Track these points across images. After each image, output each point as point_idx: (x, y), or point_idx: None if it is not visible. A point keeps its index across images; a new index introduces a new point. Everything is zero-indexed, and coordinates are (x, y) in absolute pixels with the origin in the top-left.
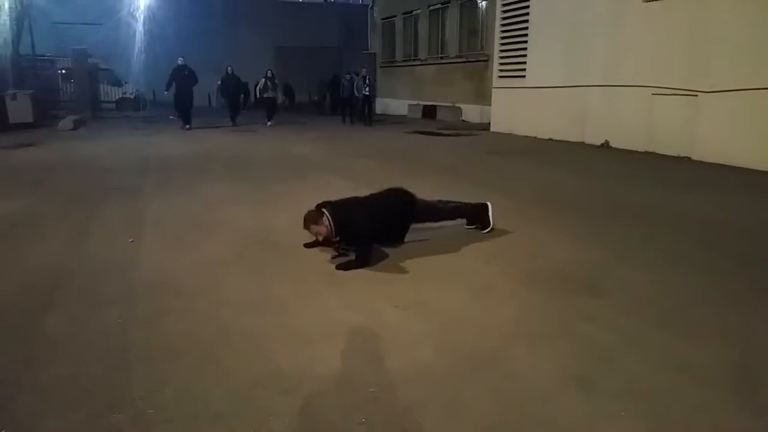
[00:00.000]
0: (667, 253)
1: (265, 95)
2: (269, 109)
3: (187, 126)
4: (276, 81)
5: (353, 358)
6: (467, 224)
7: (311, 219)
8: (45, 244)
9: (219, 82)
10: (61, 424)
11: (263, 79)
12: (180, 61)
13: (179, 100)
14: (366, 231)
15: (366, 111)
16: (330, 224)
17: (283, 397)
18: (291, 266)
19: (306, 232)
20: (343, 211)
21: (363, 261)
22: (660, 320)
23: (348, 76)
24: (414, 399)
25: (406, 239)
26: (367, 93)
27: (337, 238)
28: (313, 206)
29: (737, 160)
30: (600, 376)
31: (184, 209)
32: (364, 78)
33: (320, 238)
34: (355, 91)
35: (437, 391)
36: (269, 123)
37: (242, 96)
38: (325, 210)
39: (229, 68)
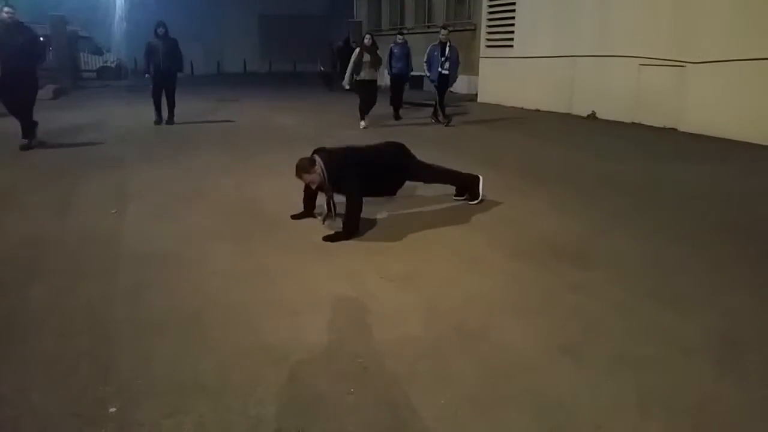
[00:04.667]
0: (654, 224)
1: (362, 76)
2: (366, 100)
3: (25, 141)
4: (379, 52)
5: (341, 329)
6: (455, 195)
7: (303, 168)
8: (26, 216)
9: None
10: (47, 399)
11: (357, 49)
12: (6, 13)
13: (4, 88)
14: (355, 194)
15: (440, 101)
16: (323, 172)
17: (271, 367)
18: (278, 238)
19: (292, 204)
20: (337, 159)
21: (350, 232)
22: (647, 290)
23: (401, 39)
24: (402, 369)
25: (393, 211)
26: (447, 71)
27: (330, 186)
28: (297, 179)
29: (724, 131)
30: (587, 347)
31: (167, 180)
32: (443, 46)
33: (313, 187)
34: (426, 68)
35: (425, 361)
36: (363, 123)
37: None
38: (318, 156)
39: (160, 29)
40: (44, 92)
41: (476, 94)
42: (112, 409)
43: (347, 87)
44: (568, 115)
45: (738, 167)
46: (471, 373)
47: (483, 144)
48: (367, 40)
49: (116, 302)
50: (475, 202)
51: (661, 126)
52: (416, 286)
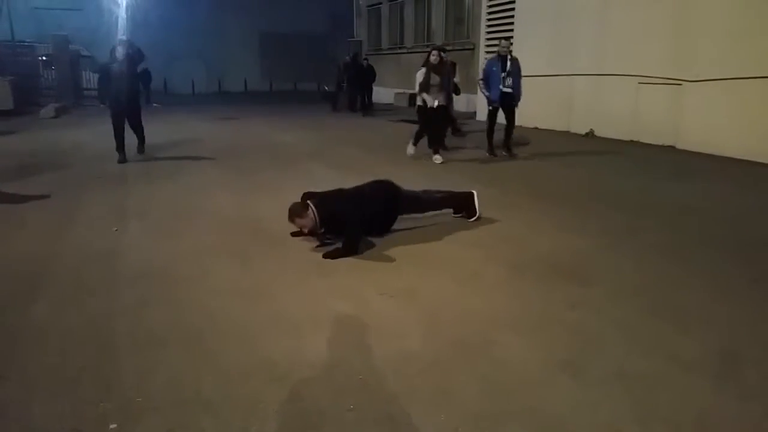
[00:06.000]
0: (652, 242)
1: (435, 102)
2: (427, 129)
3: None
4: (451, 69)
5: (341, 346)
6: (454, 213)
7: (296, 212)
8: (28, 233)
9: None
10: (48, 414)
11: (423, 69)
12: None
13: None
14: (354, 217)
15: (507, 127)
16: (315, 216)
17: (272, 384)
18: (278, 255)
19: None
20: (329, 202)
21: (350, 249)
22: (646, 307)
23: (444, 56)
24: (402, 385)
25: (395, 231)
26: (510, 89)
27: (323, 230)
28: (298, 194)
29: (721, 149)
30: (587, 363)
31: (168, 198)
32: (503, 59)
33: (306, 231)
34: (482, 87)
35: (425, 377)
36: (436, 158)
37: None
38: (309, 203)
39: (119, 48)
40: (46, 110)
41: (475, 112)
42: (113, 425)
43: (422, 104)
44: (566, 133)
45: (736, 185)
46: (471, 389)
47: (481, 161)
48: (434, 57)
49: (117, 319)
50: (473, 218)
51: (660, 144)
52: (416, 303)
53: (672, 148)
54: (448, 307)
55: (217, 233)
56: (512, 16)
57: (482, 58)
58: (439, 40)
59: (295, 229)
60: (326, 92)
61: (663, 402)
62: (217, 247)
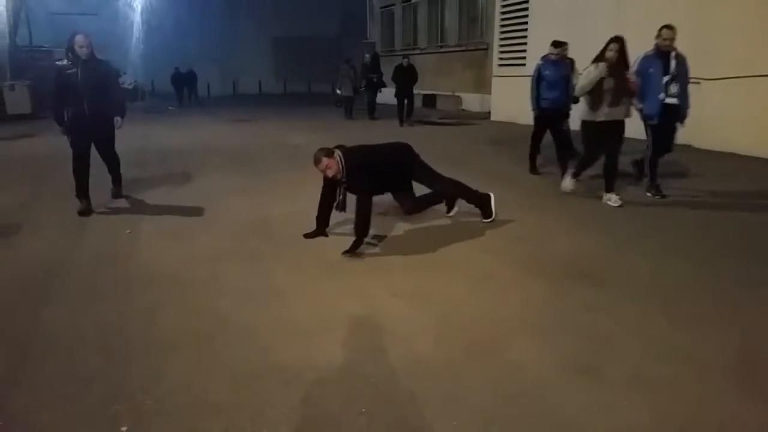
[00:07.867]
0: (667, 243)
1: (602, 114)
2: (595, 153)
3: None
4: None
5: (353, 349)
6: (467, 201)
7: (324, 152)
8: (42, 236)
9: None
10: (58, 417)
11: (592, 66)
12: None
13: None
14: (364, 184)
15: (653, 154)
16: (341, 162)
17: (283, 388)
18: (290, 257)
19: (304, 223)
20: (353, 156)
21: (361, 234)
22: (662, 310)
23: (555, 52)
24: (414, 389)
25: (405, 229)
26: (675, 100)
27: (344, 181)
28: (312, 197)
29: (739, 147)
30: (603, 366)
31: (182, 199)
32: (665, 57)
33: (329, 173)
34: (639, 101)
35: (437, 381)
36: (569, 183)
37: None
38: (337, 149)
39: (82, 46)
40: None
41: (489, 112)
42: (124, 429)
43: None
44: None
45: (753, 184)
46: (484, 393)
47: (494, 161)
48: (611, 52)
49: (129, 322)
50: (488, 220)
51: (676, 142)
52: (428, 304)
53: (689, 146)
54: (461, 309)
55: (230, 235)
56: (526, 16)
57: (496, 58)
58: (452, 41)
59: (307, 230)
60: (339, 96)
61: (682, 408)
62: (229, 249)
